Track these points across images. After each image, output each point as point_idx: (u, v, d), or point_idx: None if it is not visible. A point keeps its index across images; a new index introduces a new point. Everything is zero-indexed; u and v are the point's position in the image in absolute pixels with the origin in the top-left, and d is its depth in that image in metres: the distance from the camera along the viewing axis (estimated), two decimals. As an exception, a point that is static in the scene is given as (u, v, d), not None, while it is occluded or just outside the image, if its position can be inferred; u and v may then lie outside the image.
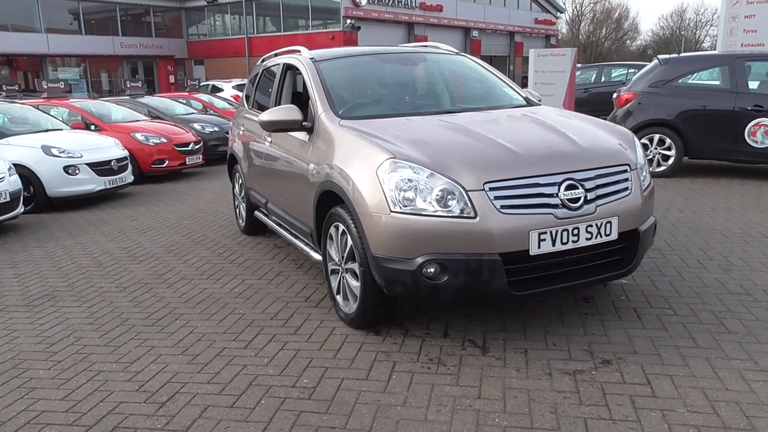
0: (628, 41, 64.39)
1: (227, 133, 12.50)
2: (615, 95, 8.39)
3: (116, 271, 5.20)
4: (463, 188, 3.02)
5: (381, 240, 3.16)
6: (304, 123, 4.05)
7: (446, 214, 3.02)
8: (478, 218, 2.99)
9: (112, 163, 8.46)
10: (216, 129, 12.24)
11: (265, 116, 4.09)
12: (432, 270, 3.06)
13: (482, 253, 3.01)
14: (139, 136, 10.06)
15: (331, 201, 3.70)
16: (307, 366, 3.20)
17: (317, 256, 4.14)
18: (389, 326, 3.63)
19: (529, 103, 4.44)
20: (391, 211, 3.10)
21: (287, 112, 4.05)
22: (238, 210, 6.39)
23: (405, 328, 3.61)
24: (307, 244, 4.40)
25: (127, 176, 8.82)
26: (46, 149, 7.95)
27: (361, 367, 3.15)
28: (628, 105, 7.83)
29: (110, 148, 8.70)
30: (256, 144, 5.27)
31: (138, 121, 11.06)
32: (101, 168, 8.28)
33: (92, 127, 10.23)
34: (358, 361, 3.21)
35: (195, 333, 3.73)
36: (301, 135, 4.16)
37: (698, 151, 7.64)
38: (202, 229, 6.59)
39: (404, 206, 3.08)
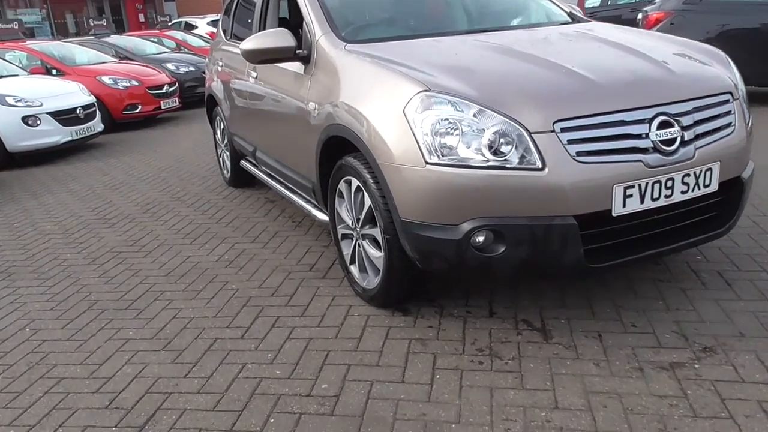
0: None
1: (204, 73, 11.56)
2: (640, 16, 7.50)
3: (84, 238, 4.43)
4: (526, 129, 2.27)
5: (413, 201, 2.42)
6: (298, 51, 3.22)
7: (502, 165, 2.28)
8: (546, 170, 2.25)
9: (78, 111, 7.54)
10: (192, 69, 11.21)
11: (248, 44, 3.24)
12: (483, 239, 2.35)
13: (552, 216, 2.28)
14: (106, 79, 9.07)
15: (340, 149, 2.94)
16: (324, 363, 2.50)
17: (322, 217, 3.40)
18: (418, 303, 2.94)
19: (574, 19, 3.62)
20: (427, 163, 2.34)
21: (276, 37, 3.21)
22: (221, 159, 5.58)
23: (439, 304, 2.92)
24: (308, 201, 3.65)
25: (96, 125, 7.91)
26: (1, 98, 7.00)
27: (392, 363, 2.47)
28: (657, 26, 6.96)
29: (74, 95, 7.75)
30: (238, 81, 4.42)
31: (105, 63, 10.03)
32: (65, 117, 7.36)
33: (54, 71, 9.22)
34: (387, 355, 2.53)
35: (179, 318, 3.02)
36: (295, 66, 3.35)
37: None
38: (182, 183, 5.79)
39: (444, 156, 2.33)
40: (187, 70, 11.16)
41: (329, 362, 2.51)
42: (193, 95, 10.87)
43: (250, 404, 2.28)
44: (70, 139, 7.38)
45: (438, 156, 2.33)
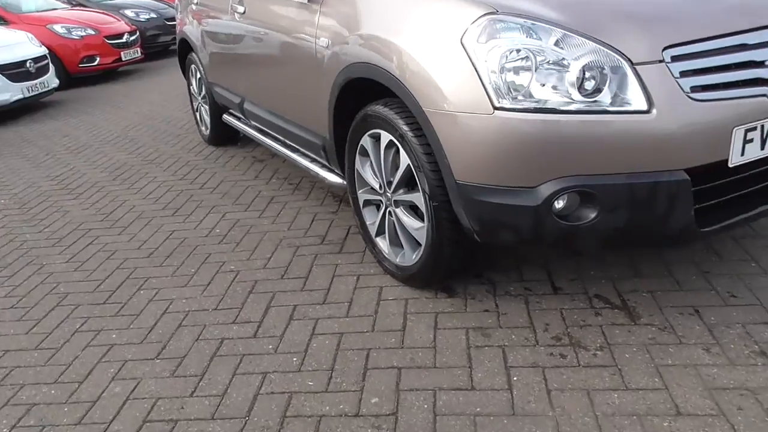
0: None
1: (168, 20, 10.63)
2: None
3: (46, 213, 3.80)
4: (627, 60, 1.73)
5: (474, 159, 1.88)
6: (299, -27, 2.60)
7: (596, 109, 1.74)
8: (654, 112, 1.72)
9: (28, 64, 6.72)
10: (153, 16, 10.29)
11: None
12: (567, 204, 1.83)
13: (658, 171, 1.77)
14: (58, 28, 8.17)
15: (363, 95, 2.38)
16: (366, 368, 2.00)
17: (335, 180, 2.84)
18: (463, 279, 2.44)
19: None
20: (495, 109, 1.80)
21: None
22: (198, 114, 4.92)
23: (488, 280, 2.43)
24: (313, 161, 3.08)
25: (50, 80, 7.10)
26: (-65, 52, 6.16)
27: (453, 362, 1.97)
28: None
29: (23, 45, 6.91)
30: (219, 20, 3.75)
31: (56, 9, 9.06)
32: (14, 71, 6.54)
33: (-4, 21, 8.27)
34: (444, 351, 2.03)
35: (171, 313, 2.47)
36: (296, -5, 2.73)
37: None
38: (154, 143, 5.13)
39: (518, 99, 1.78)
40: (149, 17, 10.23)
41: (372, 366, 2.00)
42: (156, 45, 10.02)
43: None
44: (21, 97, 6.59)
45: (510, 99, 1.78)
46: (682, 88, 1.74)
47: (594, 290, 2.29)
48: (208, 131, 4.73)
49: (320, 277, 2.61)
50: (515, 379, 1.86)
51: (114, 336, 2.35)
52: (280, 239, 3.03)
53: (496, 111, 1.79)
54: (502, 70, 1.79)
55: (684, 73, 1.76)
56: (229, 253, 2.94)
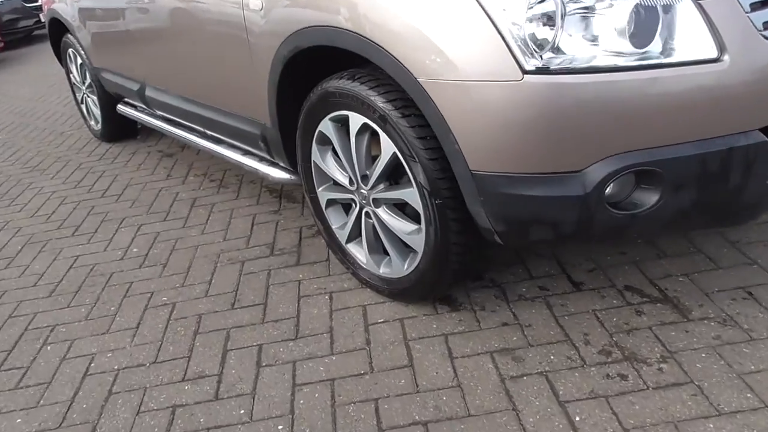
0: None
1: (27, 1, 9.30)
2: None
3: None
4: (694, -7, 1.32)
5: (499, 140, 1.42)
6: None
7: (655, 62, 1.32)
8: (726, 59, 1.32)
9: None
10: (8, -3, 8.98)
11: None
12: (621, 188, 1.42)
13: (732, 134, 1.38)
14: None
15: (315, 68, 1.86)
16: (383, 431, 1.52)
17: (281, 175, 2.31)
18: (461, 283, 2.01)
19: None
20: (525, 73, 1.33)
21: None
22: (85, 106, 4.14)
23: (489, 280, 2.01)
24: (248, 154, 2.52)
25: None
26: None
27: (494, 406, 1.53)
28: None
29: None
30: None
31: None
32: None
33: None
34: (473, 390, 1.58)
35: (95, 377, 1.87)
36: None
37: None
38: (33, 146, 4.30)
39: (553, 56, 1.33)
40: (2, 0, 8.91)
41: (389, 425, 1.52)
42: (16, 30, 8.76)
43: None
44: None
45: (542, 58, 1.33)
46: (755, 25, 1.36)
47: (621, 281, 1.92)
48: (100, 126, 3.99)
49: (282, 300, 2.09)
50: (578, 419, 1.45)
51: (18, 424, 1.73)
52: (217, 254, 2.47)
53: (525, 76, 1.33)
54: (531, 20, 1.32)
55: (755, 5, 1.37)
56: (157, 280, 2.35)
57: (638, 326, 1.71)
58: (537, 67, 1.33)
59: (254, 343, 1.89)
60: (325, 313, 1.98)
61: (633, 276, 1.93)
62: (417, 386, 1.62)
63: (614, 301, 1.83)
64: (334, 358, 1.77)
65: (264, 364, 1.79)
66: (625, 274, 1.94)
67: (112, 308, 2.21)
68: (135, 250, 2.62)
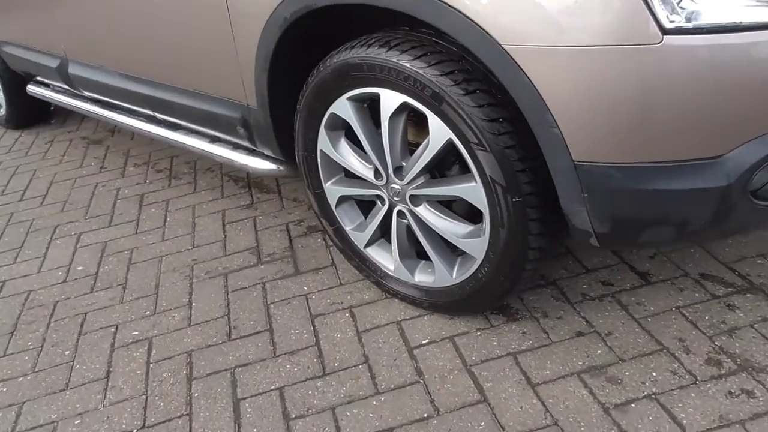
0: None
1: None
2: None
3: None
4: None
5: (619, 122, 1.08)
6: None
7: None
8: None
9: None
10: None
11: None
12: (764, 175, 1.13)
13: None
14: None
15: (316, 36, 1.46)
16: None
17: (265, 165, 1.89)
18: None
19: None
20: (666, 33, 1.00)
21: None
22: (-19, 89, 3.44)
23: (542, 278, 1.70)
24: (216, 141, 2.06)
25: None
26: None
27: (595, 445, 1.24)
28: None
29: None
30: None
31: None
32: None
33: None
34: (576, 431, 1.29)
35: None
36: None
37: None
38: None
39: (701, 12, 1.00)
40: None
41: (478, 486, 1.20)
42: None
43: None
44: None
45: (688, 15, 1.00)
46: None
47: (692, 268, 1.66)
48: (4, 110, 3.33)
49: (291, 324, 1.70)
50: (718, 458, 1.18)
51: None
52: (188, 266, 2.02)
53: (666, 37, 1.00)
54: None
55: None
56: (118, 307, 1.89)
57: (737, 325, 1.46)
58: (682, 26, 0.99)
59: (272, 387, 1.50)
60: (351, 337, 1.61)
61: (704, 261, 1.68)
62: (503, 429, 1.30)
63: (696, 295, 1.57)
64: (382, 398, 1.42)
65: (293, 416, 1.41)
66: (694, 259, 1.69)
67: (67, 353, 1.74)
68: (80, 268, 2.12)
